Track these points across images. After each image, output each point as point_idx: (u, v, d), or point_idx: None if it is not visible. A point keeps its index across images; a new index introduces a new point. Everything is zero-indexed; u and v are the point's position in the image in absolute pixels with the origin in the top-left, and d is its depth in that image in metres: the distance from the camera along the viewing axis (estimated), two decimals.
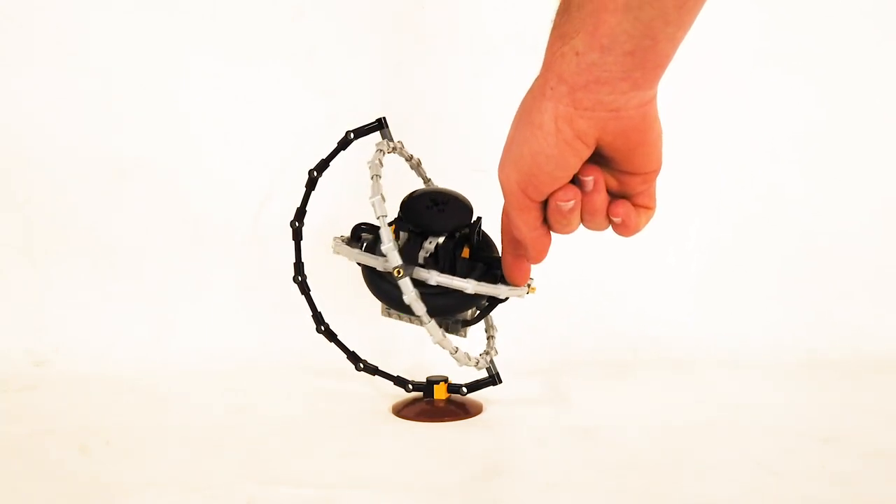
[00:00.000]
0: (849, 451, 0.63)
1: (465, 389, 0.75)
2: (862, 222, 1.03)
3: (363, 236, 0.71)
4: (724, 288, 1.01)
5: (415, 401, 0.76)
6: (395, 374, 0.78)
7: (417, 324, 0.71)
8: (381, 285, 0.67)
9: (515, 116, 0.52)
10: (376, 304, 0.74)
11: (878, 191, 1.03)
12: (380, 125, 0.70)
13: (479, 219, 0.70)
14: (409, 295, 0.63)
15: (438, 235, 0.68)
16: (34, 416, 0.75)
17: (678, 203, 1.03)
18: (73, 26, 0.98)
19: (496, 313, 0.75)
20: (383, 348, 0.87)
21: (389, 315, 0.72)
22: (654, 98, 0.49)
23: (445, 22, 1.02)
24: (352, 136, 0.70)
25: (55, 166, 0.98)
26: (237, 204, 1.00)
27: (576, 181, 0.52)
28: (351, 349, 0.77)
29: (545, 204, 0.54)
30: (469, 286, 0.64)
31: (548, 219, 0.54)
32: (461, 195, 0.70)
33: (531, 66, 1.10)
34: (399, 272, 0.62)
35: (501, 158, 0.53)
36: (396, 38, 1.00)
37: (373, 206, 0.63)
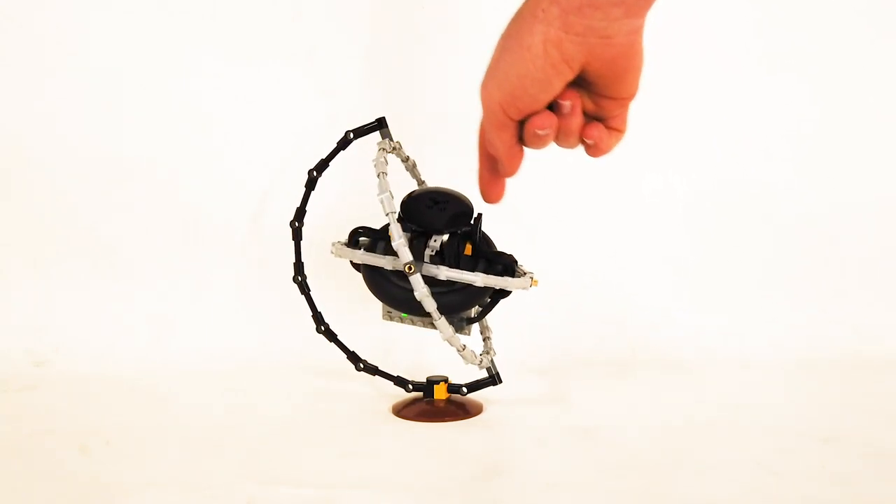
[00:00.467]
0: (849, 451, 0.63)
1: (465, 389, 0.75)
2: (862, 222, 1.03)
3: (360, 240, 0.72)
4: (725, 288, 1.01)
5: (415, 401, 0.76)
6: (395, 374, 0.78)
7: (421, 325, 0.71)
8: (386, 287, 0.68)
9: (503, 36, 0.52)
10: (376, 305, 0.74)
11: (877, 190, 1.03)
12: (379, 125, 0.71)
13: (479, 215, 0.70)
14: (421, 291, 0.64)
15: (441, 234, 0.69)
16: (34, 416, 0.75)
17: (678, 203, 1.03)
18: (72, 26, 0.98)
19: (492, 314, 0.75)
20: (383, 348, 0.87)
21: (391, 318, 0.72)
22: (642, 27, 0.50)
23: (445, 22, 1.02)
24: (351, 136, 0.70)
25: (55, 166, 0.98)
26: (237, 204, 1.00)
27: (553, 105, 0.53)
28: (351, 349, 0.77)
29: (521, 123, 0.54)
30: (478, 279, 0.66)
31: (523, 138, 0.55)
32: (460, 193, 0.71)
33: None
34: (410, 268, 0.63)
35: (485, 77, 0.54)
36: (396, 38, 1.00)
37: (381, 203, 0.64)
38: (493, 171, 0.61)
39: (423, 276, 0.65)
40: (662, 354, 0.94)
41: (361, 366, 0.77)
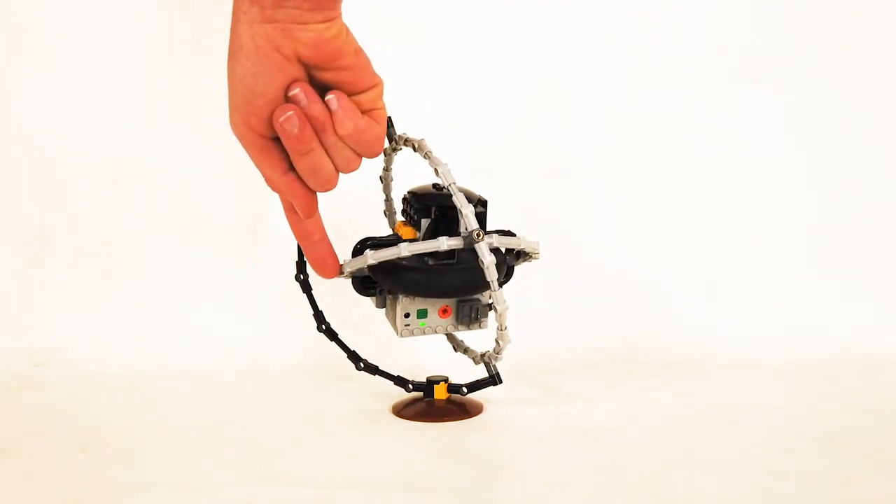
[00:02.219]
0: (849, 451, 0.63)
1: (465, 389, 0.75)
2: (862, 222, 1.03)
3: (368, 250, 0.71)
4: (724, 288, 1.01)
5: (415, 401, 0.76)
6: (395, 374, 0.78)
7: (442, 330, 0.71)
8: (432, 278, 0.68)
9: (227, 63, 0.55)
10: (375, 304, 0.74)
11: (878, 190, 1.03)
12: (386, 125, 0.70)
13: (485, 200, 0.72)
14: (488, 259, 0.64)
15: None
16: (34, 416, 0.75)
17: (677, 203, 1.03)
18: (72, 26, 0.98)
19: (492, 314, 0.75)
20: (383, 348, 0.87)
21: (412, 333, 0.71)
22: (339, 16, 0.54)
23: (445, 22, 1.02)
24: None
25: (55, 166, 0.98)
26: (238, 203, 1.00)
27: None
28: (351, 348, 0.77)
29: (279, 143, 0.56)
30: (521, 242, 0.69)
31: (291, 157, 0.57)
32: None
33: (531, 66, 1.11)
34: (479, 235, 0.64)
35: (229, 112, 0.56)
36: (396, 37, 1.00)
37: (441, 175, 0.64)
38: (295, 214, 0.62)
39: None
40: (663, 354, 0.94)
41: (361, 365, 0.77)
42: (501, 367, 0.75)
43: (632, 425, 0.70)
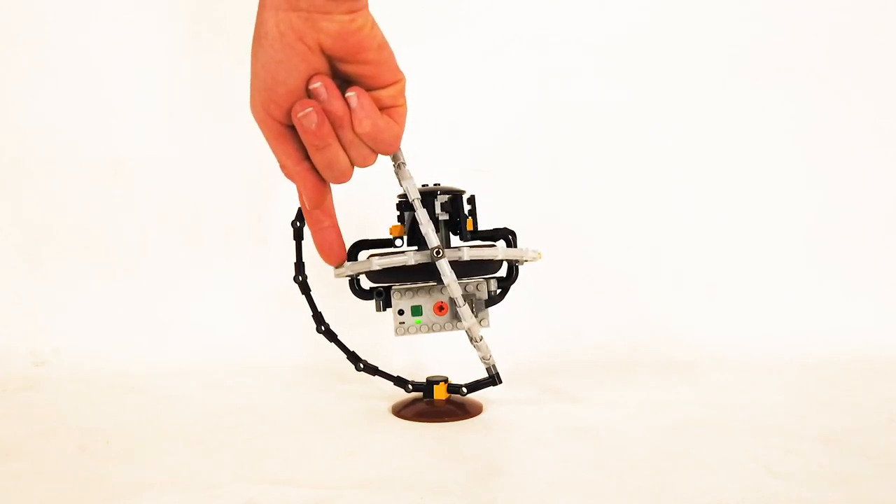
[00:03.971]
0: (849, 451, 0.63)
1: (465, 389, 0.75)
2: (862, 223, 1.03)
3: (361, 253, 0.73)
4: (724, 288, 1.01)
5: (415, 401, 0.76)
6: (395, 374, 0.78)
7: (439, 329, 0.71)
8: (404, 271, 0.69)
9: (251, 47, 0.55)
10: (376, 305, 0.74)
11: (878, 191, 1.03)
12: None
13: (472, 196, 0.74)
14: (449, 277, 0.65)
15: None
16: (34, 416, 0.75)
17: (677, 203, 1.03)
18: (72, 26, 0.98)
19: (495, 313, 0.75)
20: (383, 348, 0.87)
21: (406, 332, 0.72)
22: (364, 7, 0.53)
23: (445, 22, 1.02)
24: None
25: (55, 166, 0.98)
26: (238, 203, 1.00)
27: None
28: (351, 349, 0.77)
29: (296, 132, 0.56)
30: (499, 253, 0.68)
31: (307, 149, 0.56)
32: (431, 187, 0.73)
33: (531, 66, 1.11)
34: (439, 252, 0.65)
35: (250, 94, 0.56)
36: (396, 37, 1.00)
37: (407, 190, 0.65)
38: (321, 225, 0.62)
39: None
40: (662, 354, 0.94)
41: (361, 366, 0.77)
42: (501, 367, 0.75)
43: (632, 425, 0.70)
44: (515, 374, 0.85)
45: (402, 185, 0.65)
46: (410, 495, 0.56)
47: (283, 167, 0.59)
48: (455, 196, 0.72)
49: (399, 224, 0.73)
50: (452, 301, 0.69)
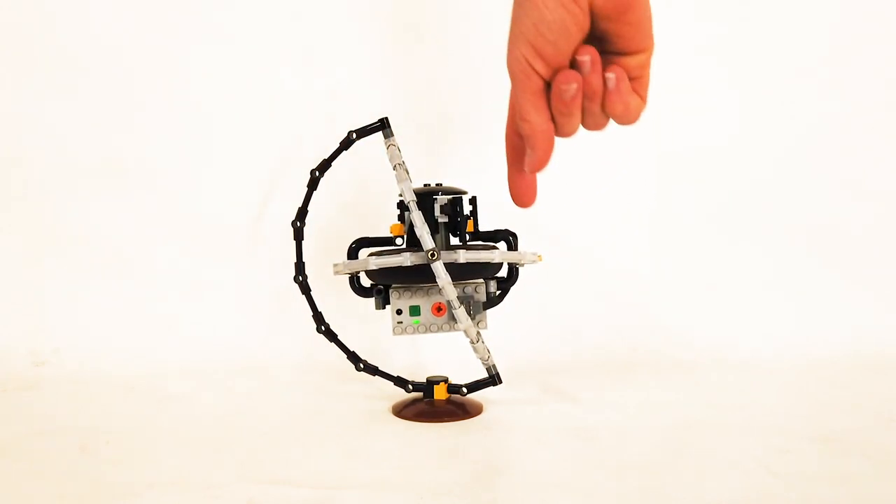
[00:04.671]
0: (849, 451, 0.63)
1: (465, 389, 0.75)
2: (862, 222, 1.03)
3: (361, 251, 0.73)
4: (724, 288, 1.01)
5: (415, 401, 0.76)
6: (395, 375, 0.78)
7: (436, 329, 0.72)
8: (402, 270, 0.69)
9: None
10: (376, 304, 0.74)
11: (879, 190, 1.03)
12: (382, 125, 0.71)
13: (474, 197, 0.74)
14: (443, 279, 0.66)
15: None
16: (34, 416, 0.75)
17: (678, 204, 1.03)
18: (72, 27, 0.98)
19: (493, 314, 0.75)
20: (383, 348, 0.87)
21: (404, 331, 0.72)
22: None
23: (446, 22, 1.02)
24: (354, 136, 0.71)
25: (55, 166, 0.98)
26: (238, 204, 1.00)
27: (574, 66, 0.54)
28: (351, 349, 0.77)
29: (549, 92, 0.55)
30: (496, 256, 0.68)
31: (552, 111, 0.56)
32: (432, 187, 0.73)
33: None
34: (433, 255, 0.65)
35: (508, 43, 0.55)
36: (396, 38, 1.00)
37: (402, 192, 0.65)
38: (520, 170, 0.61)
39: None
40: (662, 354, 0.94)
41: (361, 366, 0.77)
42: (501, 367, 0.75)
43: (632, 425, 0.70)
44: (515, 374, 0.85)
45: (398, 187, 0.65)
46: (410, 495, 0.56)
47: (524, 121, 0.57)
48: (455, 198, 0.72)
49: (399, 223, 0.73)
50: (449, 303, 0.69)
